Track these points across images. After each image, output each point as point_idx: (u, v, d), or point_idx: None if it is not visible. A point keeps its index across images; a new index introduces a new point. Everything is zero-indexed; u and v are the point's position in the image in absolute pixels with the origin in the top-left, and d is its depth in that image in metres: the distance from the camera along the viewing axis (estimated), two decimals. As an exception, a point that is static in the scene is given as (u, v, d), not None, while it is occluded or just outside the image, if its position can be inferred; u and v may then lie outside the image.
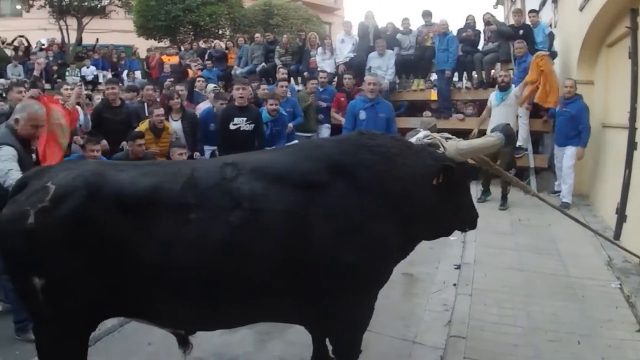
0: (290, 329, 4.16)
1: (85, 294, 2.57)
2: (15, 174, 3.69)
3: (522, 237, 7.03)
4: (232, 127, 7.08)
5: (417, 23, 12.44)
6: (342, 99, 10.05)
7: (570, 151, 8.27)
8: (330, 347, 3.31)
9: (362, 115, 7.63)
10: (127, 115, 7.66)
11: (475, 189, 8.35)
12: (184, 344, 3.41)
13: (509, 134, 3.24)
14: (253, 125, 7.16)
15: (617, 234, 6.45)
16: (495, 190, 8.75)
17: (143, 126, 7.15)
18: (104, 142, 6.60)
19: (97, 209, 2.52)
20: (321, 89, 10.63)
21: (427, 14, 11.96)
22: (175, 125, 7.75)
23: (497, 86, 9.02)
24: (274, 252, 2.60)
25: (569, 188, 8.32)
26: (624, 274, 5.51)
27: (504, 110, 8.34)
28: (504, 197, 8.42)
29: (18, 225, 2.50)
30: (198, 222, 2.55)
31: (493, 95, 8.76)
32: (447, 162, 2.97)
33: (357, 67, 11.61)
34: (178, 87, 8.91)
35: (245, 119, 7.10)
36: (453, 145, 3.09)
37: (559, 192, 8.60)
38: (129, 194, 2.58)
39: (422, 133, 3.29)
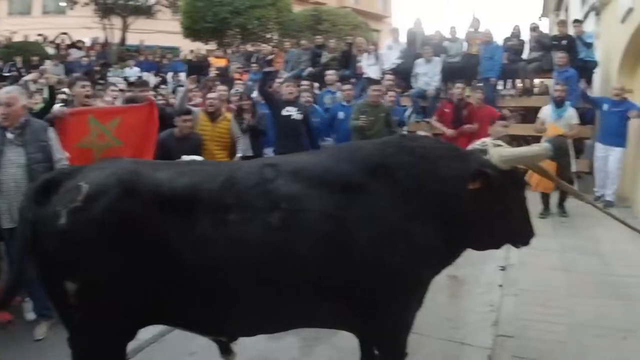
0: (337, 334, 4.06)
1: (121, 298, 2.47)
2: None
3: (565, 239, 7.12)
4: (284, 113, 7.62)
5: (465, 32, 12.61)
6: (447, 109, 9.36)
7: (619, 153, 8.39)
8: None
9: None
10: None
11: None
12: (227, 352, 3.35)
13: (559, 146, 3.10)
14: (302, 115, 7.71)
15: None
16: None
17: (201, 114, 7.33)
18: None
19: (132, 209, 2.45)
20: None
21: (475, 21, 12.24)
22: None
23: (552, 100, 8.76)
24: (313, 254, 2.54)
25: (614, 188, 8.53)
26: (669, 271, 5.53)
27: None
28: (562, 205, 8.20)
29: (50, 226, 2.42)
30: (237, 222, 2.49)
31: (548, 111, 8.46)
32: (487, 168, 2.86)
33: (403, 73, 11.73)
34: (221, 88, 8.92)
35: (296, 109, 7.69)
36: (497, 152, 2.98)
37: (600, 197, 8.62)
38: (166, 193, 2.52)
39: (482, 140, 3.22)
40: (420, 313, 3.03)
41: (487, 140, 3.18)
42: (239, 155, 7.05)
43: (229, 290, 2.53)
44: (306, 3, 26.76)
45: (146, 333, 3.62)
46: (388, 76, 10.57)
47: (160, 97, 9.25)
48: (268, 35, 20.90)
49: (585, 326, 4.46)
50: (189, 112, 6.69)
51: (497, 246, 3.33)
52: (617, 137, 8.38)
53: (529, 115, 10.59)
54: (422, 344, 4.02)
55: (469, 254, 4.29)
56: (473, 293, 5.31)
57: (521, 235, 3.31)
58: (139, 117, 5.78)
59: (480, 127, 8.61)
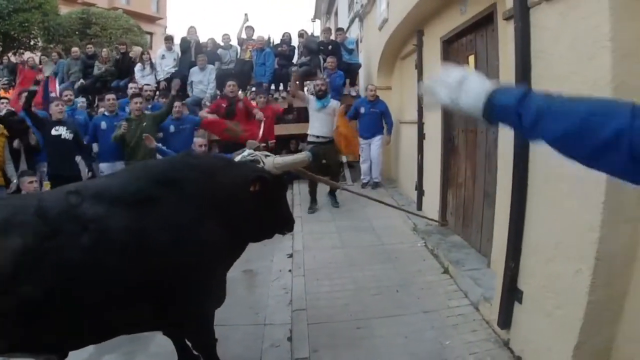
0: (151, 343, 4.36)
1: None
2: None
3: (341, 221, 8.22)
4: (54, 132, 7.75)
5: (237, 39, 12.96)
6: (223, 104, 9.65)
7: (378, 141, 9.90)
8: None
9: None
10: None
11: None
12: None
13: (315, 152, 3.84)
14: (72, 134, 7.91)
15: (419, 205, 8.09)
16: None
17: None
18: None
19: None
20: (149, 105, 10.02)
21: (249, 29, 12.65)
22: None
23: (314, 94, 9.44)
24: (123, 266, 2.80)
25: (379, 170, 10.02)
26: (427, 234, 6.99)
27: (325, 117, 8.84)
28: (333, 195, 9.22)
29: None
30: (54, 249, 2.64)
31: (313, 101, 9.07)
32: (263, 173, 3.46)
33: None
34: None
35: (65, 128, 7.85)
36: (270, 161, 3.63)
37: (367, 182, 10.15)
38: None
39: (247, 152, 3.83)
40: (225, 307, 3.52)
41: (255, 152, 3.82)
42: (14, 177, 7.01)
43: (57, 312, 2.66)
44: (75, 4, 25.35)
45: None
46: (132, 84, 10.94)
47: None
48: (32, 42, 19.30)
49: (365, 288, 5.41)
50: None
51: (270, 236, 3.95)
52: (375, 131, 9.89)
53: (301, 115, 11.40)
54: (230, 333, 4.51)
55: (259, 249, 4.97)
56: (268, 281, 5.91)
57: (286, 224, 4.02)
58: None
59: (267, 123, 9.27)
